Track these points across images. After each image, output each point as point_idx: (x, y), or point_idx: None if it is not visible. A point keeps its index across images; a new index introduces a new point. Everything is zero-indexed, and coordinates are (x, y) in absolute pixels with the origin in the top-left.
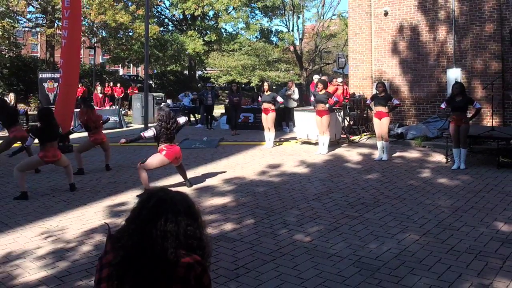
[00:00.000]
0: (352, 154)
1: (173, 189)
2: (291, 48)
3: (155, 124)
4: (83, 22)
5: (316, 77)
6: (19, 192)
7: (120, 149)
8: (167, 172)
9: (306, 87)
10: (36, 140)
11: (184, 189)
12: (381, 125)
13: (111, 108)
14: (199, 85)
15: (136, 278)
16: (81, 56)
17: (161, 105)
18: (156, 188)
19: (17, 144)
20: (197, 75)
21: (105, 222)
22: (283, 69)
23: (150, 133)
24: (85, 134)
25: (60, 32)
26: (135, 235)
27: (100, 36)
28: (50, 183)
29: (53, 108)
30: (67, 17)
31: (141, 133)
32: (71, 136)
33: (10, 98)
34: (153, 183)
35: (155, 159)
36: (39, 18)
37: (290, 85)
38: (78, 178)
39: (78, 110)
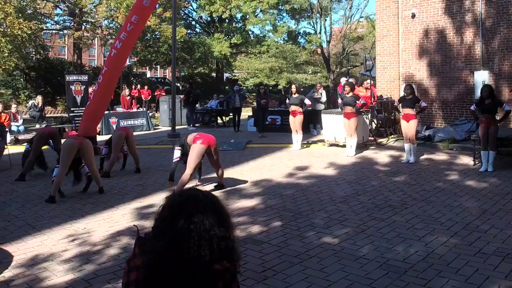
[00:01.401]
0: (380, 157)
1: (203, 190)
2: (319, 50)
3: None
4: (111, 25)
5: (343, 80)
6: (49, 195)
7: (148, 151)
8: (194, 175)
9: (334, 90)
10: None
11: (213, 191)
12: (408, 127)
13: (138, 110)
14: (226, 87)
15: (163, 284)
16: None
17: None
18: (185, 189)
19: (46, 147)
20: (224, 78)
21: (134, 225)
22: (310, 72)
23: (177, 153)
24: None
25: (88, 35)
26: (162, 239)
27: None
28: (77, 186)
29: (82, 111)
30: (128, 30)
31: (173, 161)
32: (99, 139)
33: (38, 100)
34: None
35: (193, 153)
36: (66, 21)
37: (318, 88)
38: (105, 181)
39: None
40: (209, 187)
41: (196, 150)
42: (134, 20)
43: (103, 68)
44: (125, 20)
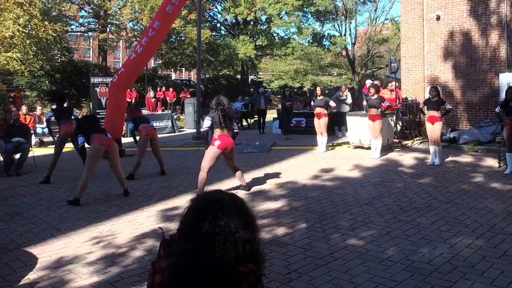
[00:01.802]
0: (405, 159)
1: (228, 192)
2: (344, 52)
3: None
4: (135, 27)
5: (369, 82)
6: (73, 196)
7: (173, 153)
8: (219, 177)
9: (359, 92)
10: None
11: (238, 193)
12: (433, 129)
13: (163, 112)
14: (251, 89)
15: (188, 286)
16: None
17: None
18: (210, 192)
19: (70, 149)
20: (249, 80)
21: (159, 227)
22: (335, 74)
23: (207, 123)
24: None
25: (113, 37)
26: (187, 242)
27: None
28: (103, 188)
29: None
30: (150, 36)
31: (202, 130)
32: (124, 141)
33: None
34: (205, 187)
35: (207, 156)
36: (91, 23)
37: (344, 89)
38: (130, 183)
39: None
40: (234, 189)
41: (211, 152)
42: (156, 26)
43: (120, 69)
44: (148, 26)
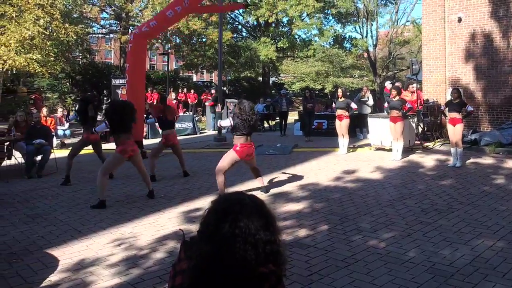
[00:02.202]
0: (426, 161)
1: (249, 194)
2: (365, 54)
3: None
4: None
5: (388, 84)
6: (97, 200)
7: (195, 155)
8: (242, 178)
9: (380, 94)
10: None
11: (258, 195)
12: (455, 131)
13: (184, 114)
14: (273, 91)
15: None
16: (154, 63)
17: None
18: (231, 193)
19: (89, 151)
20: (271, 82)
21: (180, 229)
22: (356, 76)
23: (227, 122)
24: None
25: None
26: (207, 243)
27: (173, 43)
28: (124, 189)
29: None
30: (143, 31)
31: (218, 123)
32: (145, 143)
33: None
34: (226, 189)
35: (226, 158)
36: (112, 25)
37: (365, 91)
38: (152, 185)
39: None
40: (255, 191)
41: (230, 156)
42: (152, 25)
43: (126, 65)
44: (146, 21)
